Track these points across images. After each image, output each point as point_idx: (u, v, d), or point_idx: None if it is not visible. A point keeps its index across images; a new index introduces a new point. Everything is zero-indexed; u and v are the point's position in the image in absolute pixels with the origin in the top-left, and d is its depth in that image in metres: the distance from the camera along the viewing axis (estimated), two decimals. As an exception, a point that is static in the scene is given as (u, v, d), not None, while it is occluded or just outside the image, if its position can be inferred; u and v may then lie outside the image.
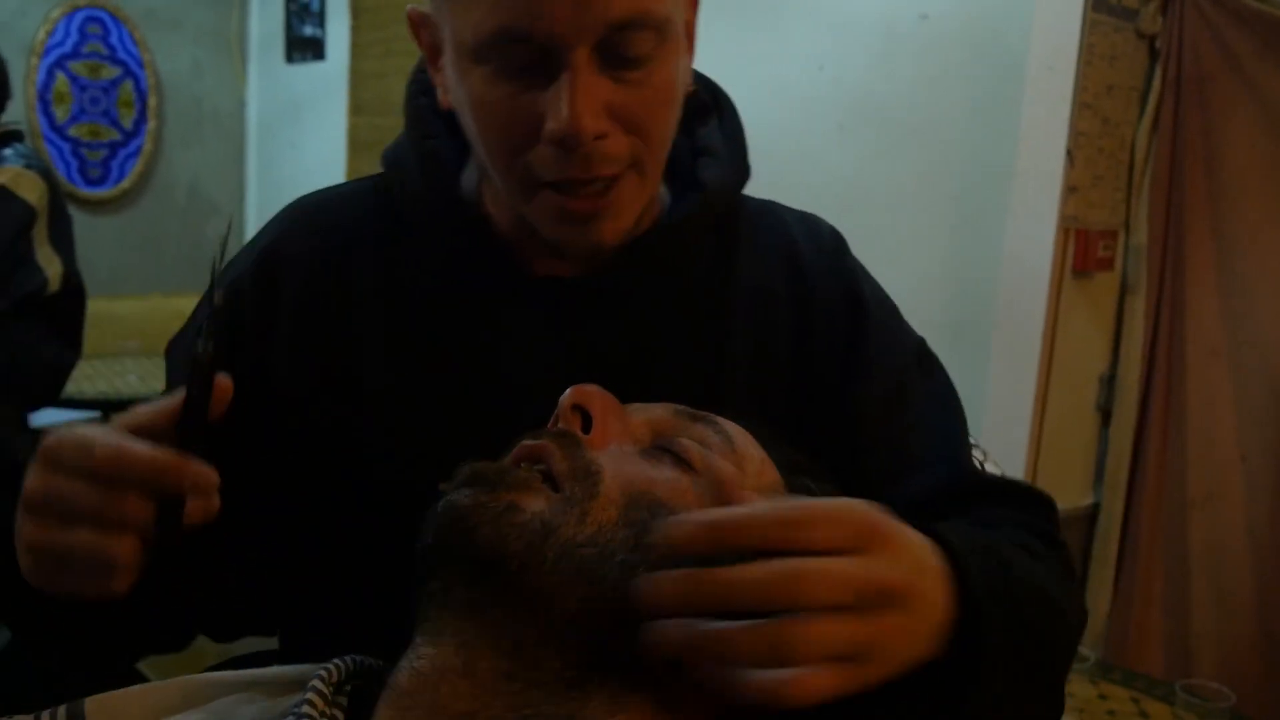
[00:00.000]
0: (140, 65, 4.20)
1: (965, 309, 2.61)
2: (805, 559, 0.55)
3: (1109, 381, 2.67)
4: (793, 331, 0.94)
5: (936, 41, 2.62)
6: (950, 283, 2.65)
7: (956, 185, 2.62)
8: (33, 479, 0.64)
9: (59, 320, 2.48)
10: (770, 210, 1.01)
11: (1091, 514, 2.69)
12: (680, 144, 0.93)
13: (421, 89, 0.93)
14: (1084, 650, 1.95)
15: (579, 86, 0.74)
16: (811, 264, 0.96)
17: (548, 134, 0.76)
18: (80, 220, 2.70)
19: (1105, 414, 2.70)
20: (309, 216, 0.95)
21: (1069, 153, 2.44)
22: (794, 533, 0.56)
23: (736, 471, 0.69)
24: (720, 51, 3.02)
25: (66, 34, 4.04)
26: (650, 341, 0.90)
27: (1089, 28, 2.40)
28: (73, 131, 4.08)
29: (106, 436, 0.63)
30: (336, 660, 0.66)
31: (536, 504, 0.62)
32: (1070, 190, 2.47)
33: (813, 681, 0.54)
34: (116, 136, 4.18)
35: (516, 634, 0.60)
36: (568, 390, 0.70)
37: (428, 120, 0.92)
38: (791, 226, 0.99)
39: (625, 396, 0.74)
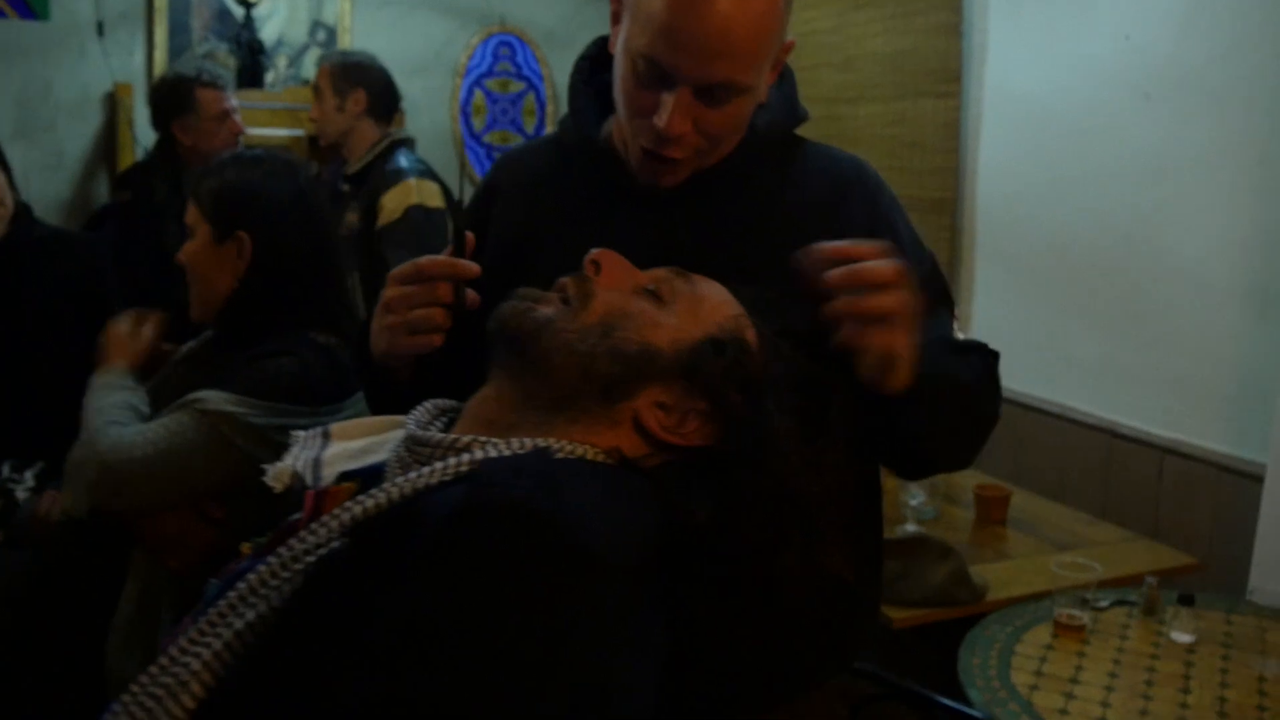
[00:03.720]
0: (540, 80, 4.89)
1: (1271, 275, 2.55)
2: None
3: None
4: (827, 235, 1.23)
5: (1242, 1, 2.58)
6: (1256, 249, 2.60)
7: (1261, 149, 2.57)
8: (386, 292, 1.17)
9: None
10: (825, 151, 1.36)
11: None
12: None
13: (579, 74, 1.37)
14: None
15: (675, 108, 1.16)
16: (849, 190, 1.30)
17: (651, 125, 1.18)
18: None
19: None
20: (512, 158, 1.49)
21: (1379, 107, 2.33)
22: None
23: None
24: (1028, 27, 3.12)
25: (483, 57, 4.79)
26: (713, 234, 1.27)
27: (1401, -25, 2.29)
28: (487, 138, 4.83)
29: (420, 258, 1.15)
30: (436, 400, 1.11)
31: (548, 309, 1.02)
32: (1383, 147, 2.35)
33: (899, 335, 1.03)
34: (520, 141, 4.89)
35: (524, 378, 1.00)
36: (591, 251, 1.07)
37: (579, 94, 1.37)
38: (840, 163, 1.34)
39: (692, 268, 1.11)
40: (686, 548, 0.93)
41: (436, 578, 0.76)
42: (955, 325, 1.33)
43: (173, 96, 3.14)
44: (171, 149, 3.17)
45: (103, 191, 4.31)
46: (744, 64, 1.15)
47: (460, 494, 0.82)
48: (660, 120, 1.16)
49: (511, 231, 1.36)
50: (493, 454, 0.92)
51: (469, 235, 1.18)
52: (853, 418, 1.06)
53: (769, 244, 1.24)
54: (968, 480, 2.71)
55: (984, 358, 1.28)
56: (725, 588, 0.95)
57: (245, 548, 1.04)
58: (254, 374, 1.63)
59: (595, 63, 1.37)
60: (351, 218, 3.04)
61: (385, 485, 0.90)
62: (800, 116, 1.34)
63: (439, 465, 0.90)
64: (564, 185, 1.36)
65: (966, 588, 2.07)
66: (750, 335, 1.04)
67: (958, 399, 1.18)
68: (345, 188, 3.11)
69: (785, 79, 1.33)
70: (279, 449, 1.53)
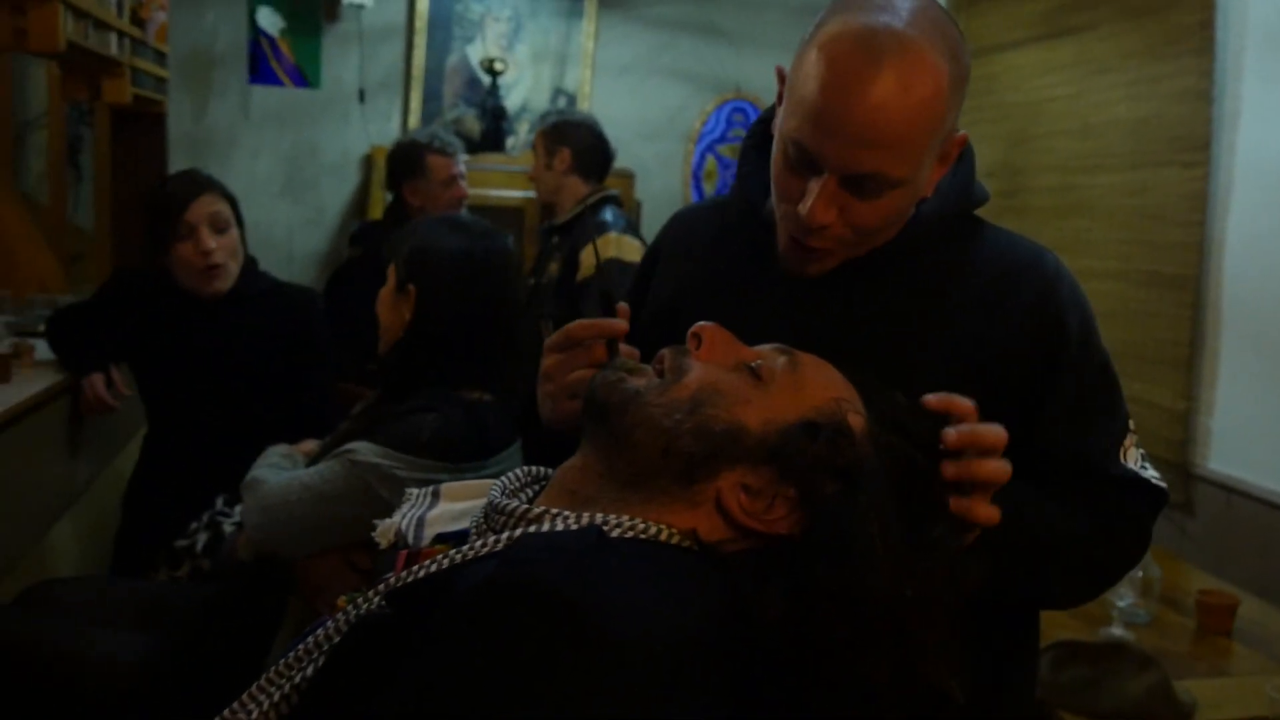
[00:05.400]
0: (773, 145, 4.89)
1: None
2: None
3: None
4: (993, 329, 1.17)
5: None
6: None
7: None
8: (543, 361, 1.17)
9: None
10: (1004, 237, 1.25)
11: None
12: None
13: (751, 138, 1.31)
14: None
15: (820, 197, 1.10)
16: (1020, 280, 1.19)
17: (796, 211, 1.12)
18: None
19: None
20: (680, 219, 1.46)
21: None
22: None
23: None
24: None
25: (717, 123, 4.86)
26: (868, 319, 1.19)
27: None
28: (717, 203, 4.87)
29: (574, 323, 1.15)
30: (532, 467, 1.09)
31: (639, 382, 0.99)
32: None
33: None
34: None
35: (608, 451, 0.97)
36: (694, 325, 1.03)
37: (749, 160, 1.30)
38: (1016, 250, 1.23)
39: (842, 352, 1.05)
40: (760, 641, 0.87)
41: (449, 651, 0.75)
42: (1127, 442, 1.20)
43: (405, 161, 3.33)
44: (402, 209, 3.36)
45: (355, 246, 4.62)
46: (896, 157, 1.07)
47: (489, 569, 0.80)
48: (803, 208, 1.10)
49: (666, 293, 1.34)
50: (559, 528, 0.90)
51: (621, 306, 1.16)
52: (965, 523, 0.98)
53: (927, 334, 1.18)
54: (1191, 584, 2.46)
55: (1130, 499, 1.19)
56: (801, 689, 0.88)
57: (341, 601, 1.06)
58: (399, 428, 1.68)
59: (770, 127, 1.29)
60: (553, 266, 3.12)
61: (438, 557, 0.89)
62: (976, 199, 1.24)
63: (491, 539, 0.89)
64: (722, 251, 1.31)
65: (1170, 705, 1.86)
66: (854, 421, 0.97)
67: (1037, 551, 1.12)
68: (555, 239, 3.20)
69: (963, 161, 1.23)
70: None
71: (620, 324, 1.12)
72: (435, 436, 1.66)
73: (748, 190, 1.27)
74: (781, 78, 1.18)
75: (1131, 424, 1.22)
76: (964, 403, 0.98)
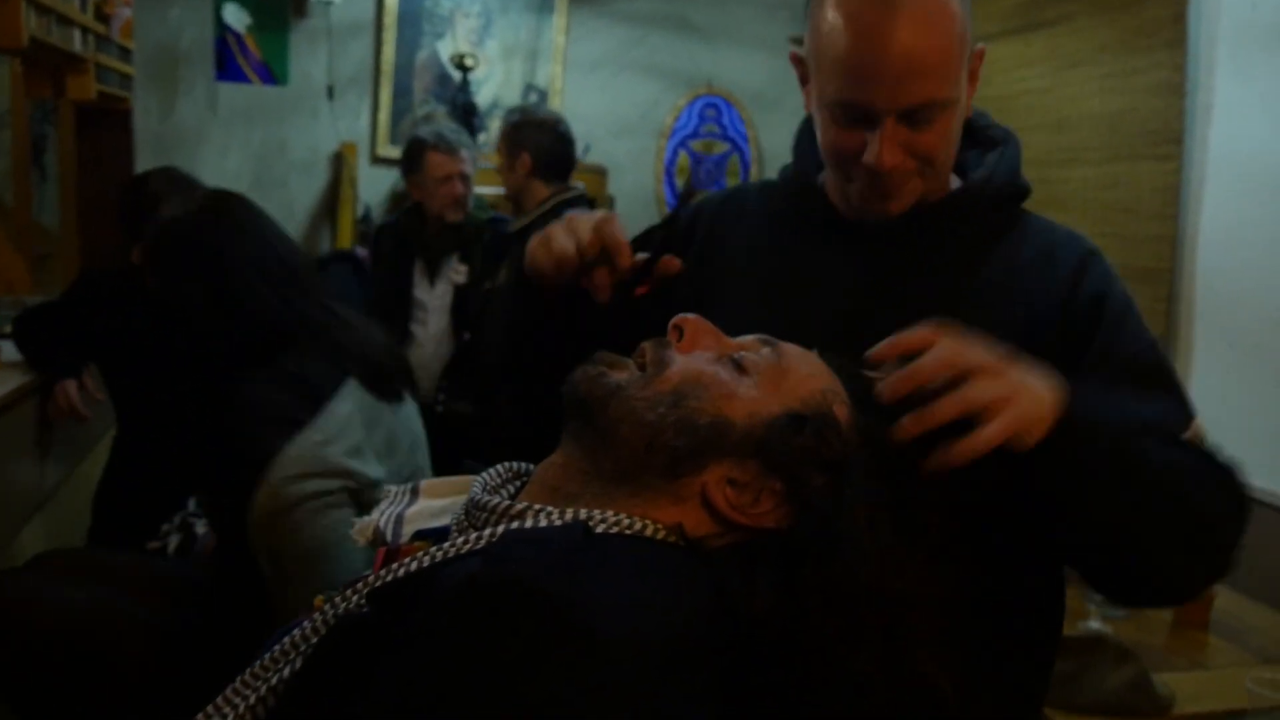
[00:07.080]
0: (746, 141, 4.88)
1: None
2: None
3: None
4: (1032, 303, 1.21)
5: None
6: None
7: None
8: (568, 218, 1.17)
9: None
10: (1046, 224, 1.30)
11: None
12: (970, 166, 1.31)
13: (807, 123, 1.35)
14: None
15: (885, 140, 1.15)
16: (1058, 254, 1.24)
17: (864, 164, 1.17)
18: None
19: None
20: (727, 193, 1.49)
21: None
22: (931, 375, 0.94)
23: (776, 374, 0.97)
24: (1260, 85, 2.90)
25: (689, 118, 4.84)
26: (919, 276, 1.24)
27: None
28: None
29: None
30: (513, 463, 1.06)
31: (621, 375, 0.96)
32: None
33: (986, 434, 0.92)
34: (724, 201, 4.91)
35: (591, 446, 0.95)
36: (675, 316, 1.01)
37: (803, 141, 1.36)
38: (1057, 236, 1.28)
39: (894, 305, 1.07)
40: (749, 636, 0.85)
41: (433, 649, 0.73)
42: (1191, 432, 1.17)
43: (408, 155, 3.38)
44: (414, 202, 3.44)
45: (326, 243, 4.57)
46: (939, 79, 1.14)
47: (472, 566, 0.78)
48: (870, 156, 1.15)
49: (717, 267, 1.35)
50: (543, 523, 0.88)
51: (670, 259, 1.17)
52: (959, 513, 0.96)
53: (969, 299, 1.22)
54: (1168, 577, 2.47)
55: (1211, 458, 1.11)
56: (790, 685, 0.86)
57: (318, 600, 1.04)
58: (252, 451, 1.69)
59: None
60: (505, 273, 3.10)
61: (419, 555, 0.87)
62: (1022, 187, 1.30)
63: (474, 535, 0.87)
64: (777, 220, 1.36)
65: (1147, 697, 1.86)
66: (840, 412, 0.96)
67: (1128, 467, 1.01)
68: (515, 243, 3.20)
69: (1009, 144, 1.31)
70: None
71: (624, 268, 1.13)
72: (273, 423, 1.69)
73: (802, 170, 1.34)
74: (797, 62, 1.24)
75: (1199, 421, 1.18)
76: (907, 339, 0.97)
